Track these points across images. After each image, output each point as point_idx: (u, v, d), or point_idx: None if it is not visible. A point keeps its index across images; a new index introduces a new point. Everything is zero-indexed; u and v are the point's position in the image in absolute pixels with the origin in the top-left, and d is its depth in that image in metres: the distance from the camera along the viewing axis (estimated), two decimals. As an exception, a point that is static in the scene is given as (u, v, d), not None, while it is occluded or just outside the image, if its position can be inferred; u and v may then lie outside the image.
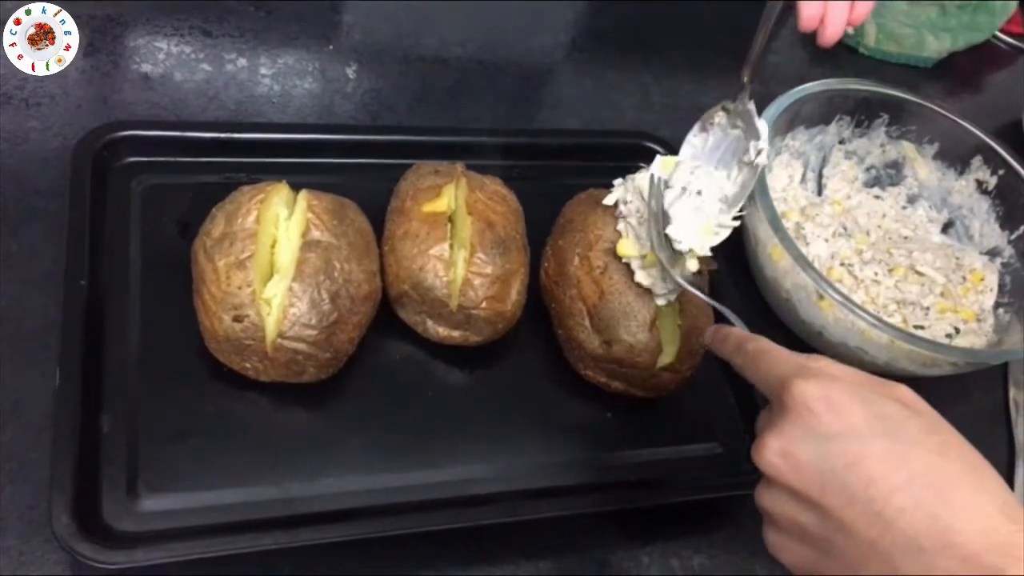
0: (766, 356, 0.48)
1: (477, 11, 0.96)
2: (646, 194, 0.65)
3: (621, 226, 0.67)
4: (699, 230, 0.63)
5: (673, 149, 0.83)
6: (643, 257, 0.65)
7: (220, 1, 0.85)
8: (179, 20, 0.82)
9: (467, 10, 0.96)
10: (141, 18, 0.81)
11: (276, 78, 0.82)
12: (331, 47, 0.87)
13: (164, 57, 0.80)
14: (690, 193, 0.64)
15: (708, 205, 0.64)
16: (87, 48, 0.78)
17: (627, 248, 0.65)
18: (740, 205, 0.63)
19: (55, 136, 0.71)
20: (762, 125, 0.63)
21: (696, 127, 0.67)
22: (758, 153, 0.63)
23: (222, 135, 0.72)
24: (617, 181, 0.70)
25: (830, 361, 0.46)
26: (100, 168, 0.67)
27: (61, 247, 0.62)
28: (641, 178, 0.67)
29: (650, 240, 0.63)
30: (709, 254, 0.64)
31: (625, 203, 0.67)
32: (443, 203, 0.66)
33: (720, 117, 0.66)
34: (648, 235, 0.64)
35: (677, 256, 0.63)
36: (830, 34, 0.61)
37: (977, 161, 0.85)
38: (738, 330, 0.53)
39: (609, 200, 0.69)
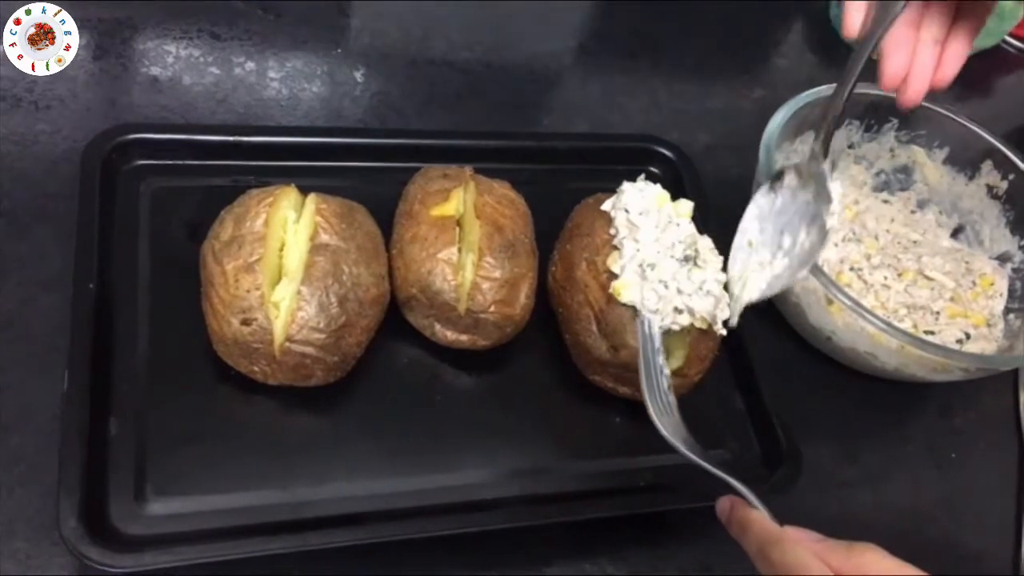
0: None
1: (485, 15, 0.96)
2: (631, 208, 0.65)
3: (613, 230, 0.67)
4: (755, 283, 0.63)
5: (680, 152, 0.84)
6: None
7: (229, 4, 0.85)
8: (188, 23, 0.82)
9: (475, 14, 0.96)
10: (150, 21, 0.82)
11: (284, 81, 0.82)
12: (339, 51, 0.87)
13: (173, 60, 0.80)
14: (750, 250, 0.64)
15: (775, 261, 0.63)
16: (96, 51, 0.78)
17: (613, 261, 0.65)
18: (809, 266, 0.61)
19: (64, 139, 0.71)
20: (835, 188, 0.61)
21: (764, 187, 0.64)
22: (831, 216, 0.61)
23: (231, 138, 0.72)
24: (621, 186, 0.69)
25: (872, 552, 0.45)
26: (109, 171, 0.67)
27: (70, 249, 0.62)
28: (629, 191, 0.67)
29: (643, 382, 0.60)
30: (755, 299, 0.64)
31: (615, 216, 0.67)
32: (452, 207, 0.66)
33: (790, 178, 0.64)
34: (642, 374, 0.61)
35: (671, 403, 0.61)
36: (912, 96, 0.57)
37: (987, 166, 0.84)
38: (760, 519, 0.51)
39: (605, 206, 0.69)
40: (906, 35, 0.56)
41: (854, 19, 0.56)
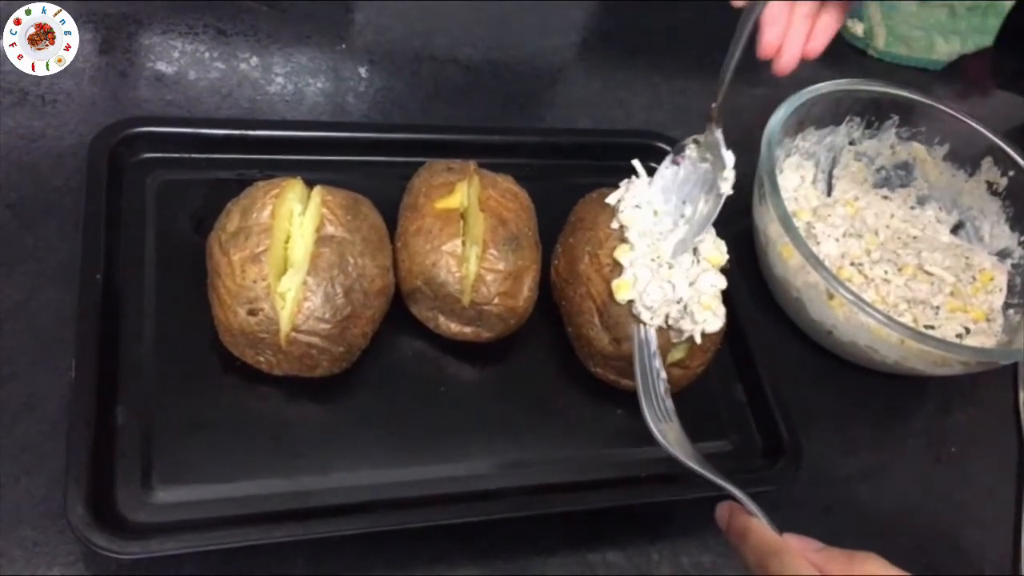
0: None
1: (488, 10, 0.97)
2: (640, 194, 0.67)
3: (616, 224, 0.67)
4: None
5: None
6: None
7: (234, 0, 0.86)
8: (193, 19, 0.83)
9: (478, 9, 0.96)
10: (156, 17, 0.82)
11: (289, 77, 0.82)
12: (344, 46, 0.87)
13: (178, 55, 0.80)
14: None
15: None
16: (102, 46, 0.79)
17: (622, 253, 0.66)
18: (703, 233, 0.65)
19: (71, 133, 0.72)
20: (728, 156, 0.65)
21: (667, 159, 0.68)
22: (724, 181, 0.65)
23: (236, 132, 0.72)
24: (623, 182, 0.70)
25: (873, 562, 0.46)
26: (115, 164, 0.68)
27: (77, 242, 0.63)
28: (637, 184, 0.68)
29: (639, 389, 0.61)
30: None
31: (621, 211, 0.68)
32: (456, 200, 0.66)
33: (691, 149, 0.67)
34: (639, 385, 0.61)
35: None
36: (784, 63, 0.62)
37: (987, 162, 0.85)
38: (760, 527, 0.51)
39: (611, 199, 0.69)
40: (781, 9, 0.61)
41: None
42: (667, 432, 0.58)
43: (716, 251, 0.66)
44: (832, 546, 0.51)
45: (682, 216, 0.67)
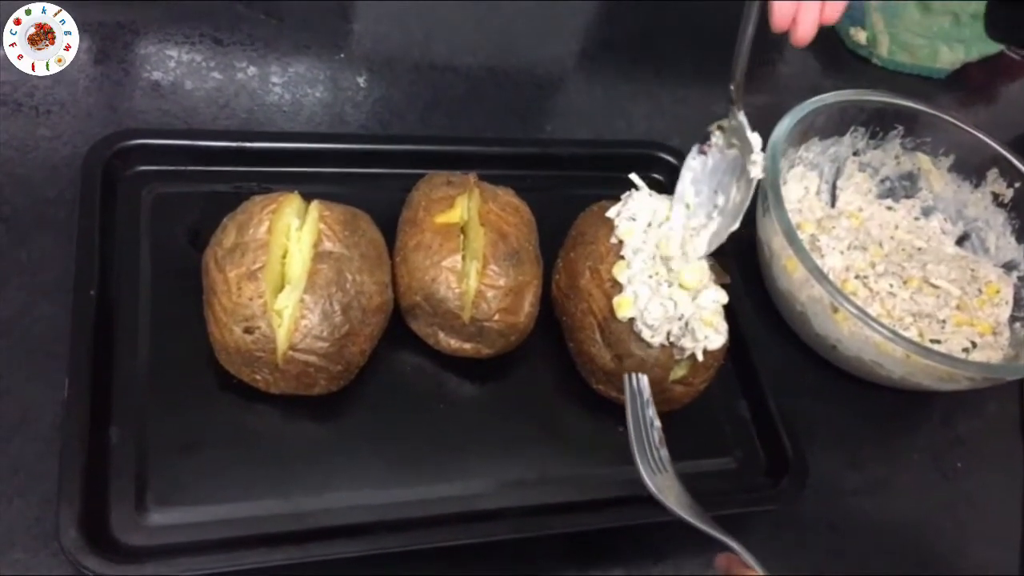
0: None
1: (487, 19, 0.96)
2: (638, 214, 0.66)
3: (615, 240, 0.66)
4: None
5: (683, 158, 0.83)
6: None
7: (231, 9, 0.85)
8: (190, 28, 0.82)
9: (477, 18, 0.95)
10: (152, 26, 0.81)
11: (287, 87, 0.81)
12: (342, 55, 0.86)
13: (175, 65, 0.79)
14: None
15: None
16: (97, 55, 0.77)
17: (620, 270, 0.65)
18: (740, 218, 0.63)
19: (65, 144, 0.71)
20: (755, 138, 0.63)
21: (694, 150, 0.66)
22: (753, 165, 0.63)
23: (233, 144, 0.71)
24: (624, 196, 0.69)
25: None
26: (110, 176, 0.67)
27: (71, 256, 0.62)
28: (635, 199, 0.67)
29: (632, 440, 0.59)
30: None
31: (617, 225, 0.67)
32: (456, 214, 0.65)
33: (716, 137, 0.66)
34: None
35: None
36: (802, 34, 0.59)
37: (993, 173, 0.84)
38: None
39: (611, 213, 0.68)
40: None
41: None
42: (662, 484, 0.57)
43: (697, 276, 0.64)
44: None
45: (715, 207, 0.65)
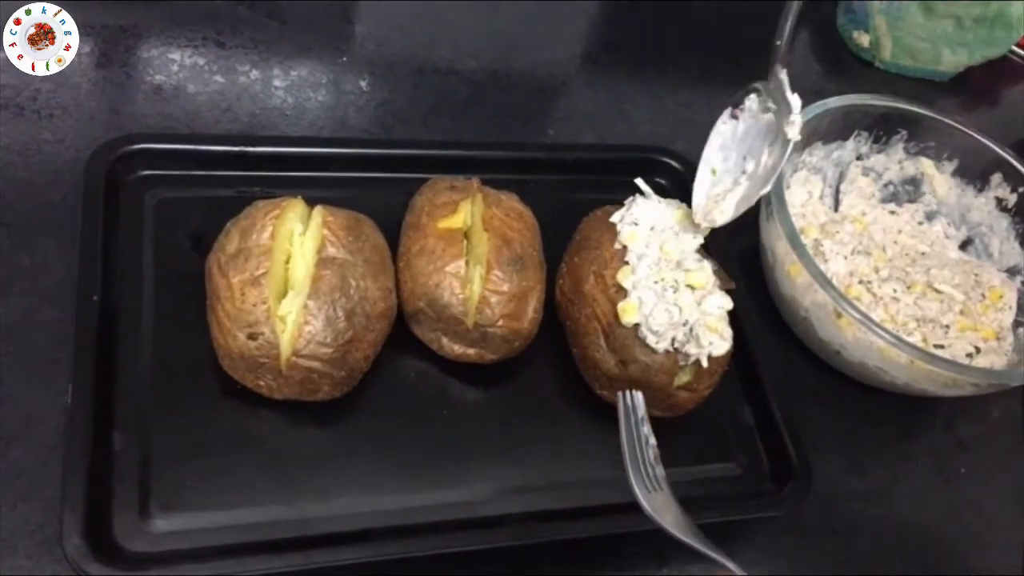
0: None
1: (490, 22, 0.96)
2: (642, 219, 0.65)
3: (618, 245, 0.66)
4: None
5: (687, 162, 0.83)
6: None
7: (234, 11, 0.85)
8: (192, 31, 0.82)
9: (479, 21, 0.95)
10: (154, 29, 0.81)
11: (290, 90, 0.81)
12: (345, 59, 0.86)
13: (177, 68, 0.79)
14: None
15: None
16: (100, 59, 0.77)
17: (624, 276, 0.65)
18: (772, 183, 0.61)
19: (68, 148, 0.70)
20: (795, 99, 0.61)
21: (725, 114, 0.64)
22: (791, 126, 0.61)
23: (236, 148, 0.71)
24: (627, 200, 0.69)
25: None
26: (113, 181, 0.67)
27: (73, 261, 0.62)
28: (640, 205, 0.67)
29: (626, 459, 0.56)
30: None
31: (620, 230, 0.67)
32: (459, 219, 0.65)
33: (751, 101, 0.64)
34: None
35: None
36: None
37: (997, 178, 0.84)
38: None
39: (615, 218, 0.68)
40: None
41: None
42: (657, 502, 0.54)
43: (702, 275, 0.64)
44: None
45: (743, 172, 0.63)
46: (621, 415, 0.57)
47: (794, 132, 0.61)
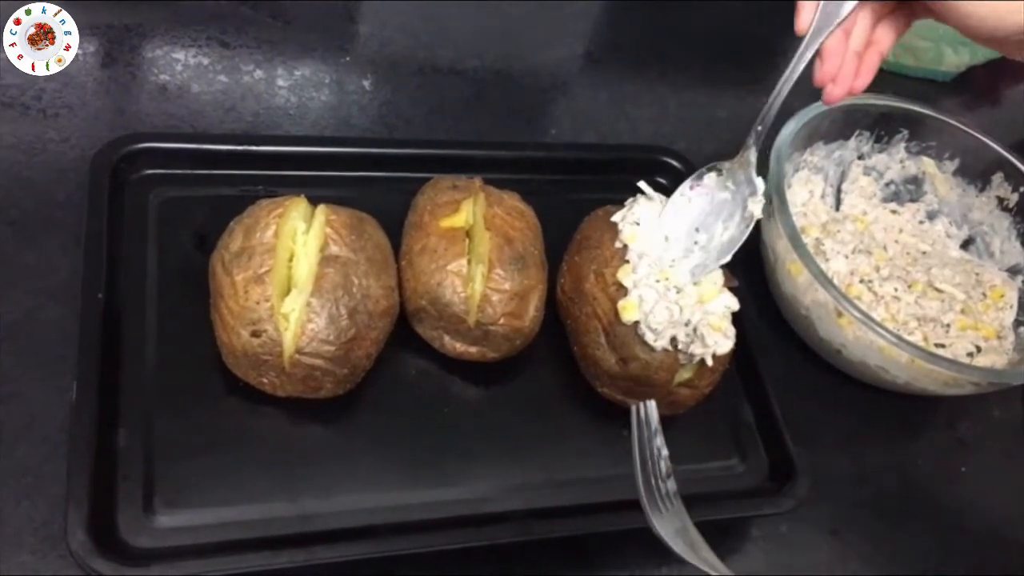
0: None
1: (493, 22, 0.96)
2: (643, 219, 0.66)
3: (619, 244, 0.67)
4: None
5: (688, 162, 0.83)
6: None
7: (238, 11, 0.85)
8: (197, 31, 0.82)
9: (482, 21, 0.95)
10: (159, 29, 0.81)
11: (293, 90, 0.82)
12: (348, 59, 0.87)
13: (181, 68, 0.79)
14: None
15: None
16: (104, 58, 0.78)
17: (625, 274, 0.65)
18: (732, 253, 0.65)
19: (72, 147, 0.71)
20: (759, 181, 0.65)
21: (684, 186, 0.67)
22: (756, 205, 0.65)
23: (239, 148, 0.72)
24: (628, 201, 0.69)
25: None
26: (117, 180, 0.67)
27: (78, 259, 0.62)
28: (641, 204, 0.67)
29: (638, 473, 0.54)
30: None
31: (622, 229, 0.67)
32: (461, 218, 0.66)
33: (710, 179, 0.67)
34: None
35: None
36: (837, 94, 0.63)
37: (998, 178, 0.84)
38: None
39: (616, 218, 0.68)
40: (839, 43, 0.62)
41: (805, 18, 0.61)
42: (668, 520, 0.53)
43: (712, 283, 0.65)
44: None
45: (696, 243, 0.66)
46: (633, 427, 0.55)
47: (757, 211, 0.65)
